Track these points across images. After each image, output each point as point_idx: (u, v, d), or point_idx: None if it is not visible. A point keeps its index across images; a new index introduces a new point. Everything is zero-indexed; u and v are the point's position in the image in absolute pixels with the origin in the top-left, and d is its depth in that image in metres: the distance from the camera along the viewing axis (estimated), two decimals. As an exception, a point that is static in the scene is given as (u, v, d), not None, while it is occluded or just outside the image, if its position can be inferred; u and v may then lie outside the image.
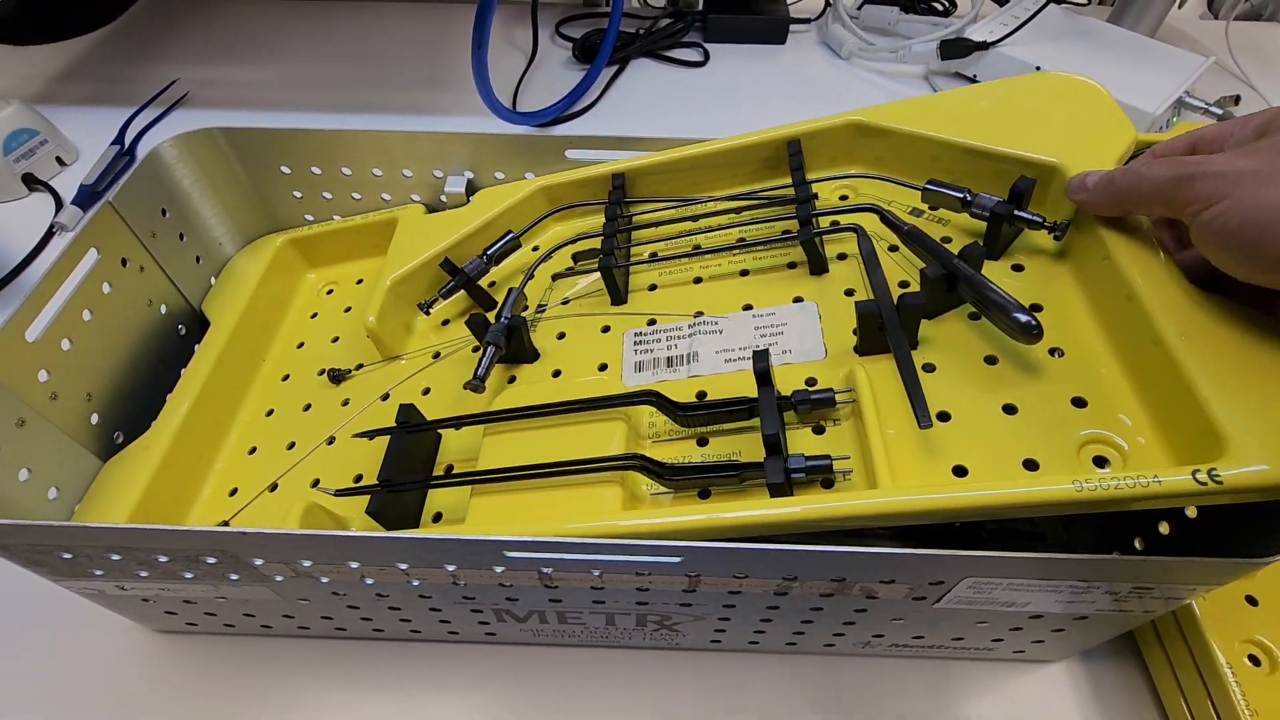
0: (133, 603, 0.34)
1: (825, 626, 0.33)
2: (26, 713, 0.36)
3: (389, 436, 0.35)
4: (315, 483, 0.38)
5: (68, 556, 0.29)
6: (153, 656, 0.38)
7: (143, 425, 0.40)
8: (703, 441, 0.33)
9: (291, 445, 0.40)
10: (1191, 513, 0.31)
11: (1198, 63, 0.65)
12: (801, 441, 0.31)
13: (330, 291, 0.48)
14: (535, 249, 0.45)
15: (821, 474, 0.29)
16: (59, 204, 0.60)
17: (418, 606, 0.33)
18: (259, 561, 0.29)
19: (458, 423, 0.35)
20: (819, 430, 0.32)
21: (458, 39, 0.58)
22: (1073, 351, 0.31)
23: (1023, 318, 0.28)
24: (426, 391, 0.40)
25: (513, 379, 0.38)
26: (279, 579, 0.30)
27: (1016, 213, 0.33)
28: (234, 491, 0.39)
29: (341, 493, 0.34)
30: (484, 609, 0.33)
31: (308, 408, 0.42)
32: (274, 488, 0.39)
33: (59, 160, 0.63)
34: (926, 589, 0.29)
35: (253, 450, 0.41)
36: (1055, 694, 0.36)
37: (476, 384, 0.35)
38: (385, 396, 0.40)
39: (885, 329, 0.31)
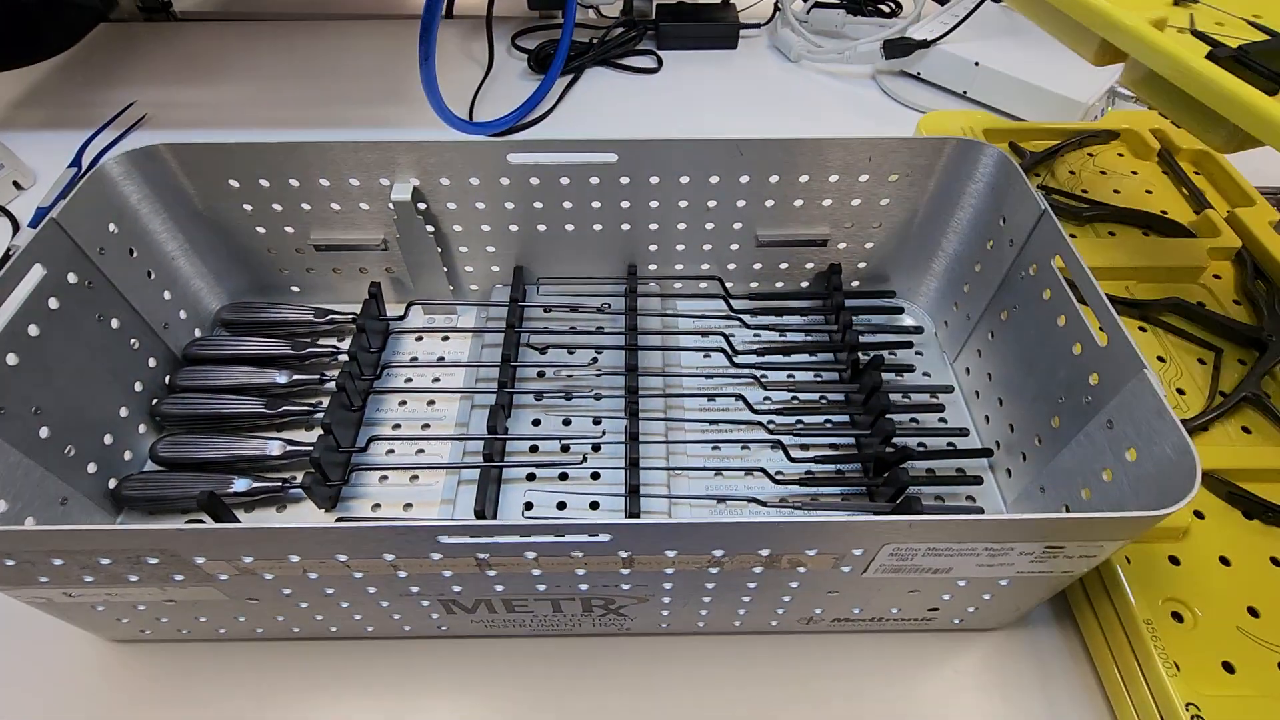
0: (83, 611, 0.34)
1: (765, 603, 0.34)
2: (-19, 728, 0.36)
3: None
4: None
5: (10, 563, 0.29)
6: (109, 667, 0.38)
7: (96, 440, 0.41)
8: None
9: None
10: (1108, 476, 0.32)
11: (1130, 53, 0.68)
12: None
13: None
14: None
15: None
16: (16, 228, 0.60)
17: (366, 601, 0.33)
18: (200, 560, 0.29)
19: None
20: None
21: (414, 53, 0.61)
22: None
23: None
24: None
25: None
26: (223, 577, 0.31)
27: None
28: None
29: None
30: (430, 599, 0.33)
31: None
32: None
33: (16, 185, 0.64)
34: (851, 559, 0.30)
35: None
36: (997, 660, 0.37)
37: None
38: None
39: None
